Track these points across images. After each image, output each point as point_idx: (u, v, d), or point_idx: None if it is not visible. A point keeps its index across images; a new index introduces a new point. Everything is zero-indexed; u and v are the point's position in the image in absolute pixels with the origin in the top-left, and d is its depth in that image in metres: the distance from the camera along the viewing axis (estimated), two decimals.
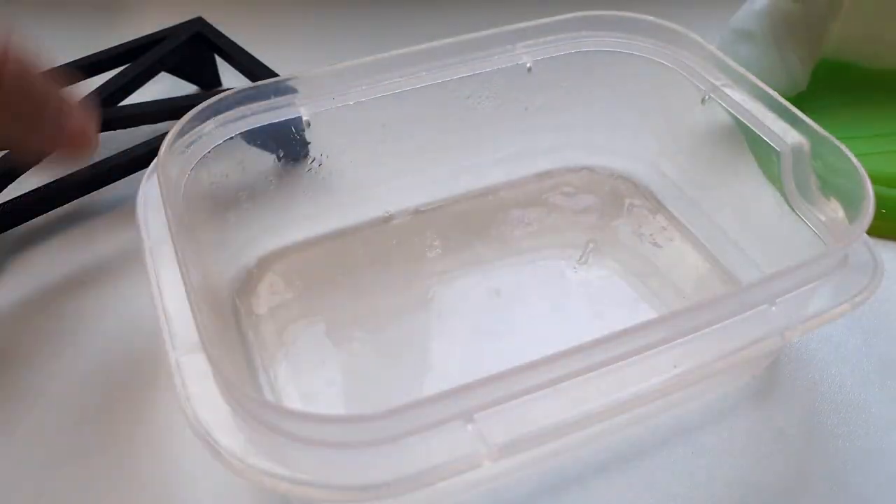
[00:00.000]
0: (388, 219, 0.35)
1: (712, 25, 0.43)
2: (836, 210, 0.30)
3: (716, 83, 0.34)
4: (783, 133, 0.31)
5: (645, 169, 0.38)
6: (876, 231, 0.38)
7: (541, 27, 0.35)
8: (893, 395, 0.31)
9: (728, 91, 0.33)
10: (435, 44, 0.34)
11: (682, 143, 0.34)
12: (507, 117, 0.35)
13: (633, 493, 0.28)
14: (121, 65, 0.42)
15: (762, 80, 0.43)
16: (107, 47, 0.43)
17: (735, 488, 0.28)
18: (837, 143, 0.30)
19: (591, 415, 0.23)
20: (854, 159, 0.29)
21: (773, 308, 0.26)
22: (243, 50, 0.43)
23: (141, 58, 0.42)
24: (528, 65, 0.35)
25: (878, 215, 0.38)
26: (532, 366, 0.22)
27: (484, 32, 0.34)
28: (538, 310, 0.32)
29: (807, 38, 0.43)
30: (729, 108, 0.33)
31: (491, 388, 0.22)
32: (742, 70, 0.33)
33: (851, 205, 0.29)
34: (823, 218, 0.30)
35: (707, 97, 0.34)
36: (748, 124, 0.32)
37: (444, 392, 0.21)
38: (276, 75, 0.33)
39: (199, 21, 0.44)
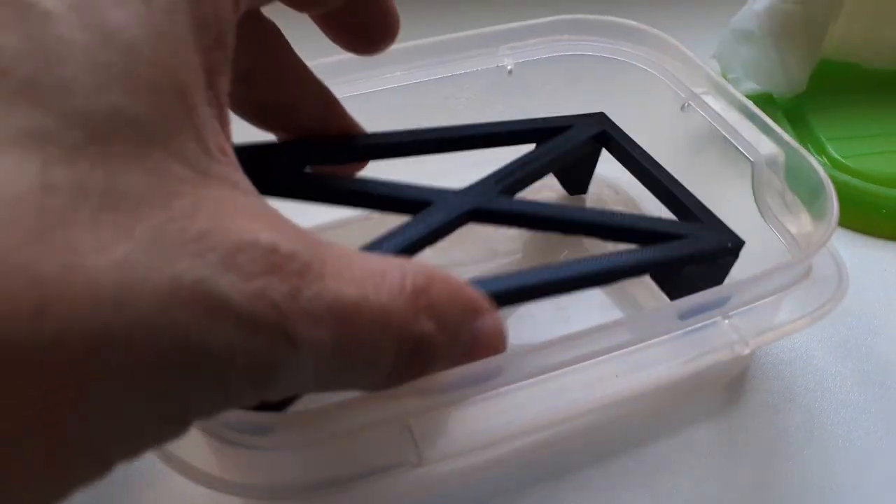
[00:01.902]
0: (367, 218, 0.36)
1: (704, 30, 0.42)
2: (805, 223, 0.30)
3: (695, 91, 0.34)
4: (757, 144, 0.31)
5: (625, 174, 0.38)
6: (876, 231, 0.38)
7: (523, 30, 0.35)
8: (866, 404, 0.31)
9: (707, 99, 0.33)
10: (414, 43, 0.34)
11: (662, 150, 0.34)
12: (485, 119, 0.35)
13: None
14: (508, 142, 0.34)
15: (762, 80, 0.43)
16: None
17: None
18: (808, 155, 0.30)
19: (529, 423, 0.23)
20: (822, 172, 0.29)
21: (727, 321, 0.26)
22: (643, 151, 0.34)
23: (541, 148, 0.33)
24: (509, 67, 0.35)
25: (878, 215, 0.38)
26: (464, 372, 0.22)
27: (465, 33, 0.35)
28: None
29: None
30: (706, 117, 0.33)
31: (425, 394, 0.22)
32: (721, 80, 0.33)
33: (819, 218, 0.29)
34: (794, 230, 0.30)
35: (686, 105, 0.34)
36: (724, 134, 0.32)
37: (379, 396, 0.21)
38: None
39: (603, 118, 0.35)
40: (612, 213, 0.31)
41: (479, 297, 0.20)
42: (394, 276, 0.18)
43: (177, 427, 0.15)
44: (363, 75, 0.33)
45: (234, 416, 0.21)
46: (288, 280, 0.15)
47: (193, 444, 0.21)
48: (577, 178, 0.38)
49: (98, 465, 0.14)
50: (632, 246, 0.30)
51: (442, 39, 0.34)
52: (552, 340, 0.23)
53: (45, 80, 0.13)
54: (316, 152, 0.30)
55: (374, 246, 0.27)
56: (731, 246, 0.29)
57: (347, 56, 0.33)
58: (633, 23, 0.35)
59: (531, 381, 0.23)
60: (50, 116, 0.13)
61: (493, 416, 0.23)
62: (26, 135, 0.13)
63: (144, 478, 0.27)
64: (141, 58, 0.14)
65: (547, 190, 0.38)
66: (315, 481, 0.22)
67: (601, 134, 0.34)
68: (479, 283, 0.24)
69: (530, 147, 0.33)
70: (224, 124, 0.17)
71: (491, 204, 0.30)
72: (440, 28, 0.35)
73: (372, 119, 0.34)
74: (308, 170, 0.30)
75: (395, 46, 0.33)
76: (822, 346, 0.33)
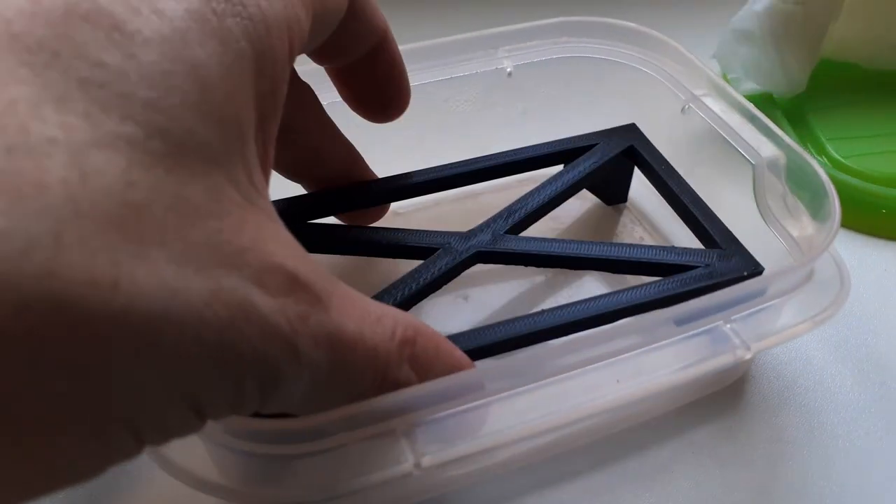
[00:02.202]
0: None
1: (704, 31, 0.42)
2: (807, 226, 0.30)
3: (695, 93, 0.34)
4: (758, 146, 0.31)
5: (640, 187, 0.38)
6: (876, 231, 0.38)
7: (522, 32, 0.35)
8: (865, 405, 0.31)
9: (707, 101, 0.33)
10: (413, 45, 0.34)
11: (662, 152, 0.34)
12: (484, 121, 0.35)
13: None
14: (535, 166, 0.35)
15: (762, 80, 0.43)
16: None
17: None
18: (809, 158, 0.30)
19: (531, 428, 0.23)
20: (824, 175, 0.29)
21: (728, 326, 0.26)
22: (670, 166, 0.34)
23: (570, 170, 0.34)
24: (509, 69, 0.35)
25: (877, 215, 0.38)
26: (465, 377, 0.22)
27: (464, 35, 0.35)
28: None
29: (806, 38, 0.42)
30: (707, 119, 0.33)
31: (428, 400, 0.22)
32: (721, 81, 0.33)
33: (821, 221, 0.29)
34: (795, 233, 0.30)
35: (687, 107, 0.34)
36: (725, 136, 0.32)
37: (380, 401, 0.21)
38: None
39: (634, 130, 0.36)
40: (623, 247, 0.31)
41: (460, 356, 0.23)
42: (387, 323, 0.20)
43: (197, 421, 0.17)
44: None
45: (238, 422, 0.21)
46: (301, 304, 0.18)
47: (191, 450, 0.22)
48: (613, 190, 0.38)
49: (133, 442, 0.16)
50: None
51: (441, 42, 0.34)
52: (554, 345, 0.23)
53: (137, 97, 0.16)
54: (340, 201, 0.32)
55: (384, 294, 0.28)
56: (747, 274, 0.29)
57: None
58: (633, 25, 0.35)
59: (533, 385, 0.23)
60: (138, 126, 0.15)
61: (495, 421, 0.23)
62: (117, 138, 0.15)
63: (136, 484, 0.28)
64: (214, 93, 0.17)
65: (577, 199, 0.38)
66: (315, 487, 0.22)
67: (628, 150, 0.35)
68: (482, 331, 0.27)
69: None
70: (266, 166, 0.19)
71: (496, 246, 0.31)
72: (440, 30, 0.35)
73: (372, 124, 0.34)
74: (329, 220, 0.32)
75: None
76: (822, 346, 0.33)
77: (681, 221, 0.34)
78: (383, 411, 0.21)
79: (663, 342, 0.24)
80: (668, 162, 0.34)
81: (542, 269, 0.35)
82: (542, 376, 0.23)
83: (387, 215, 0.35)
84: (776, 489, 0.29)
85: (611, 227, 0.38)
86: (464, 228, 0.31)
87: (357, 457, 0.22)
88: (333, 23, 0.24)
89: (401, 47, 0.33)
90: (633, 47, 0.35)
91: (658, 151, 0.34)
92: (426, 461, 0.21)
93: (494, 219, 0.32)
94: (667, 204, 0.35)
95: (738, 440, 0.30)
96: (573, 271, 0.35)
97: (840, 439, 0.30)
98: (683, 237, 0.35)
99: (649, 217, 0.38)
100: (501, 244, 0.31)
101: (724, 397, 0.31)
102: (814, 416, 0.31)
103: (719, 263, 0.30)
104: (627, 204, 0.39)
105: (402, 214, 0.37)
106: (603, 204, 0.39)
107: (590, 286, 0.34)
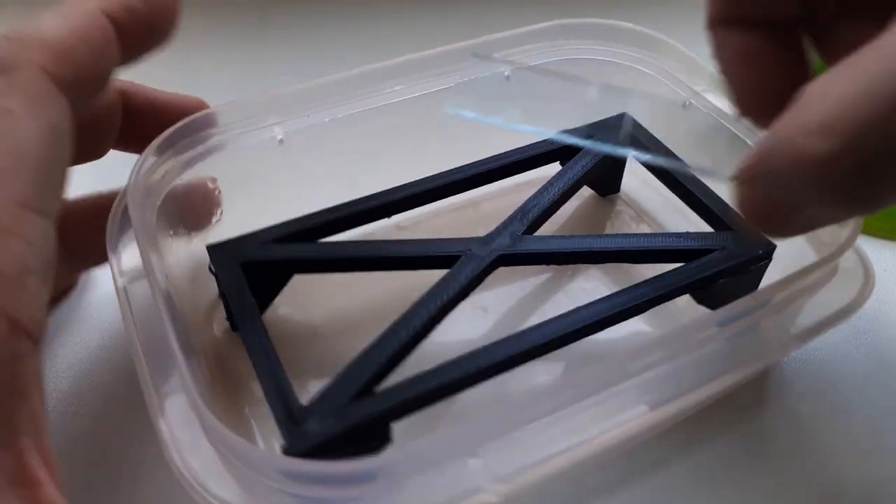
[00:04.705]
0: (369, 235, 0.35)
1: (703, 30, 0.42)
2: None
3: (696, 89, 0.34)
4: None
5: (627, 176, 0.38)
6: (875, 231, 0.38)
7: (519, 36, 0.35)
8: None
9: (709, 97, 0.33)
10: (412, 56, 0.33)
11: None
12: (486, 127, 0.34)
13: None
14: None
15: None
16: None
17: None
18: None
19: (590, 442, 0.22)
20: None
21: (763, 325, 0.26)
22: (669, 151, 0.33)
23: (573, 166, 0.34)
24: (507, 73, 0.34)
25: (877, 215, 0.39)
26: (531, 397, 0.22)
27: (462, 44, 0.34)
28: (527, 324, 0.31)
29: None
30: (711, 114, 0.33)
31: (492, 422, 0.21)
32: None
33: None
34: None
35: (688, 103, 0.34)
36: (731, 128, 0.32)
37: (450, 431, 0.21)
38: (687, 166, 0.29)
39: (627, 120, 0.34)
40: (637, 238, 0.31)
41: None
42: None
43: None
44: (363, 92, 0.32)
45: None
46: None
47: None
48: (607, 181, 0.38)
49: None
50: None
51: (439, 51, 0.33)
52: (610, 359, 0.22)
53: None
54: (346, 218, 0.31)
55: (418, 307, 0.28)
56: (762, 253, 0.29)
57: (347, 75, 0.32)
58: (629, 25, 0.35)
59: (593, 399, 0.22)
60: None
61: (554, 440, 0.22)
62: None
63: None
64: None
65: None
66: None
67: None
68: (529, 332, 0.27)
69: None
70: None
71: (517, 248, 0.30)
72: (438, 40, 0.34)
73: (376, 133, 0.33)
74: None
75: (392, 62, 0.33)
76: (842, 347, 0.33)
77: (674, 209, 0.34)
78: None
79: (703, 350, 0.24)
80: (666, 147, 0.34)
81: (546, 268, 0.34)
82: (602, 388, 0.23)
83: (391, 229, 0.34)
84: (803, 491, 0.28)
85: (607, 218, 0.38)
86: (470, 236, 0.31)
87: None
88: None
89: (394, 60, 0.33)
90: (630, 47, 0.35)
91: (655, 138, 0.34)
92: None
93: (510, 221, 0.31)
94: (658, 192, 0.34)
95: (765, 443, 0.29)
96: (575, 267, 0.34)
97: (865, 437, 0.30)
98: (679, 223, 0.35)
99: (643, 206, 0.38)
100: (522, 245, 0.30)
101: (749, 400, 0.31)
102: (837, 415, 0.30)
103: (734, 245, 0.30)
104: (620, 194, 0.38)
105: (406, 228, 0.36)
106: (596, 196, 0.39)
107: (597, 280, 0.34)
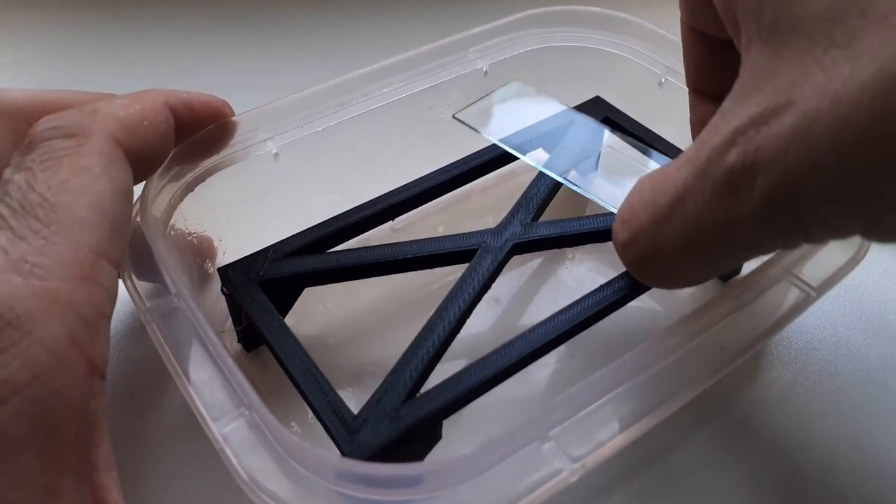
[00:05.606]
0: (365, 241, 0.34)
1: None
2: None
3: (670, 66, 0.34)
4: None
5: None
6: None
7: (493, 30, 0.35)
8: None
9: None
10: (391, 60, 0.33)
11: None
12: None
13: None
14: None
15: None
16: None
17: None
18: None
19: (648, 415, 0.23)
20: None
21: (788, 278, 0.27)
22: (648, 130, 0.35)
23: None
24: (484, 68, 0.35)
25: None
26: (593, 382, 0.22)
27: (437, 43, 0.34)
28: (540, 313, 0.32)
29: None
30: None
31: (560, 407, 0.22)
32: None
33: None
34: None
35: (664, 80, 0.35)
36: None
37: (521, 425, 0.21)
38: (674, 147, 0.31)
39: (602, 103, 0.36)
40: None
41: None
42: None
43: None
44: (351, 97, 0.32)
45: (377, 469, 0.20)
46: None
47: None
48: None
49: None
50: None
51: (417, 52, 0.34)
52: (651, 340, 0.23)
53: None
54: (349, 228, 0.31)
55: (448, 304, 0.28)
56: None
57: (334, 82, 0.32)
58: (597, 9, 0.36)
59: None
60: None
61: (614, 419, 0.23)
62: None
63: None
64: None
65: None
66: None
67: (603, 122, 0.35)
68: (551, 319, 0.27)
69: None
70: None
71: (529, 234, 0.31)
72: (417, 41, 0.34)
73: (370, 136, 0.33)
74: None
75: (374, 66, 0.33)
76: (843, 347, 0.33)
77: None
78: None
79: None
80: (644, 126, 0.35)
81: (541, 252, 0.35)
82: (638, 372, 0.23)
83: (385, 233, 0.34)
84: (789, 465, 0.29)
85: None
86: (470, 231, 0.31)
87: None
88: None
89: (372, 66, 0.33)
90: (601, 31, 0.36)
91: (632, 118, 0.35)
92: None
93: (516, 209, 0.32)
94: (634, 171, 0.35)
95: (756, 418, 0.30)
96: (561, 249, 0.35)
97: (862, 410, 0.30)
98: None
99: None
100: (533, 232, 0.31)
101: (742, 372, 0.31)
102: (834, 387, 0.31)
103: None
104: None
105: (401, 229, 0.35)
106: None
107: (596, 259, 0.35)
